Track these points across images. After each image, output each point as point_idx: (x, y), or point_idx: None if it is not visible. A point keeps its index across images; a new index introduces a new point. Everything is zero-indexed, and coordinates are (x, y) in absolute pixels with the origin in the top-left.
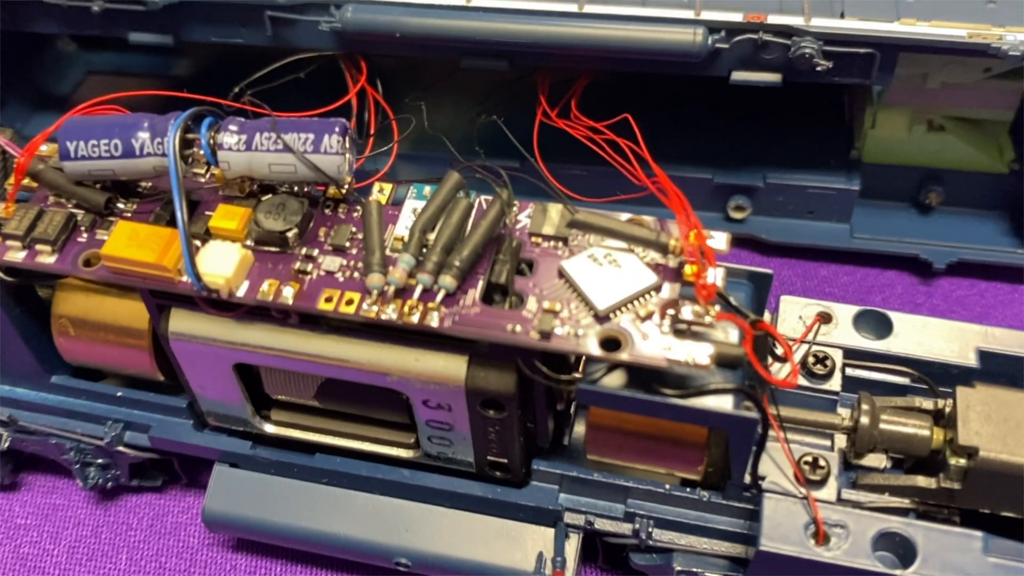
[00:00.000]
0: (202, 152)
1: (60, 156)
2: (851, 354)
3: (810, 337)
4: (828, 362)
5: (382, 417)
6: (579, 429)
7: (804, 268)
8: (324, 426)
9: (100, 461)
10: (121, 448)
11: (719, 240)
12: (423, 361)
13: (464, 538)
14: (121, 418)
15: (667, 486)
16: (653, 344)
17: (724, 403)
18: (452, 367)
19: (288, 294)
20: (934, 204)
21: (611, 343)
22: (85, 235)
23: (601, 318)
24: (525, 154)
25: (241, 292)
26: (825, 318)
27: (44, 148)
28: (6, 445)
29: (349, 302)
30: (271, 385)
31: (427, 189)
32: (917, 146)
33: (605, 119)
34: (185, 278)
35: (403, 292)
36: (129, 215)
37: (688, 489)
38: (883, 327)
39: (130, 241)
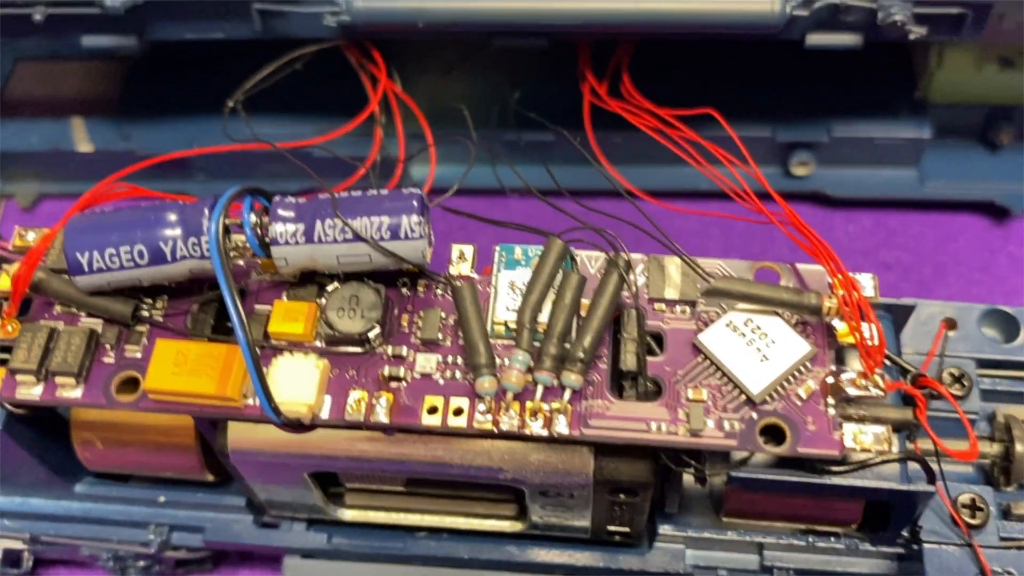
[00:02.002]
0: (246, 243)
1: (70, 271)
2: (982, 363)
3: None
4: (965, 380)
5: (481, 495)
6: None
7: (872, 220)
8: (410, 505)
9: (142, 564)
10: (169, 553)
11: (865, 285)
12: (542, 455)
13: None
14: (166, 521)
15: (810, 538)
16: (822, 431)
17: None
18: (578, 460)
19: (382, 409)
20: (1006, 143)
21: (773, 434)
22: (112, 353)
23: (756, 403)
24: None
25: (324, 412)
26: (949, 323)
27: (31, 237)
28: (29, 564)
29: (458, 412)
30: (350, 478)
31: (517, 251)
32: (987, 83)
33: (655, 89)
34: (251, 401)
35: (520, 393)
36: (160, 318)
37: (832, 539)
38: (1011, 327)
39: (177, 368)
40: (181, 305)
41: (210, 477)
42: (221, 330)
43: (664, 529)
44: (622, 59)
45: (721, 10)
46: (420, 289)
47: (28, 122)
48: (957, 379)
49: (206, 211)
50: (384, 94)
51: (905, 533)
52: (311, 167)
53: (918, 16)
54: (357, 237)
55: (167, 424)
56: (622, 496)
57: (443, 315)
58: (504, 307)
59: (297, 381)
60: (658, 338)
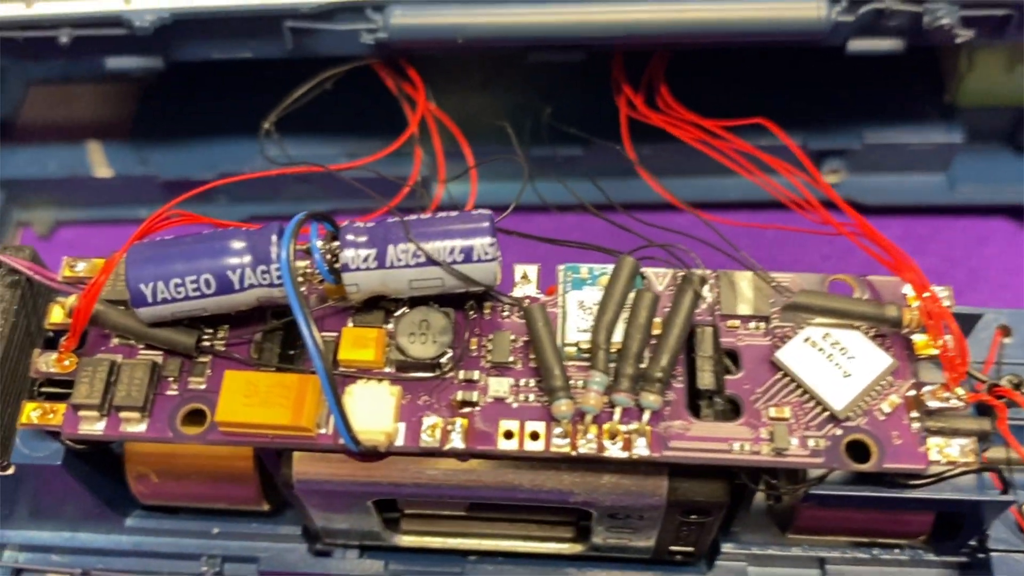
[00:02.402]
0: (315, 270)
1: (132, 302)
2: None
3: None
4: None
5: (540, 517)
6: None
7: (902, 227)
8: (468, 529)
9: None
10: None
11: (941, 295)
12: (614, 477)
13: None
14: (218, 552)
15: (874, 551)
16: (908, 445)
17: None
18: (651, 482)
19: (457, 435)
20: None
21: (858, 450)
22: (175, 386)
23: (840, 420)
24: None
25: (399, 440)
26: (1004, 330)
27: (81, 268)
28: None
29: (534, 436)
30: (410, 504)
31: (583, 270)
32: (1017, 85)
33: (685, 98)
34: (324, 430)
35: (596, 415)
36: (222, 348)
37: (896, 551)
38: None
39: (249, 399)
40: (243, 334)
41: (266, 506)
42: (285, 359)
43: (726, 547)
44: (657, 70)
45: (767, 18)
46: (487, 311)
47: (44, 148)
48: (1016, 386)
49: (273, 238)
50: (414, 109)
51: (972, 542)
52: (336, 188)
53: (965, 19)
54: (431, 261)
55: (226, 454)
56: (694, 516)
57: (512, 338)
58: (575, 328)
59: (373, 409)
60: (732, 355)
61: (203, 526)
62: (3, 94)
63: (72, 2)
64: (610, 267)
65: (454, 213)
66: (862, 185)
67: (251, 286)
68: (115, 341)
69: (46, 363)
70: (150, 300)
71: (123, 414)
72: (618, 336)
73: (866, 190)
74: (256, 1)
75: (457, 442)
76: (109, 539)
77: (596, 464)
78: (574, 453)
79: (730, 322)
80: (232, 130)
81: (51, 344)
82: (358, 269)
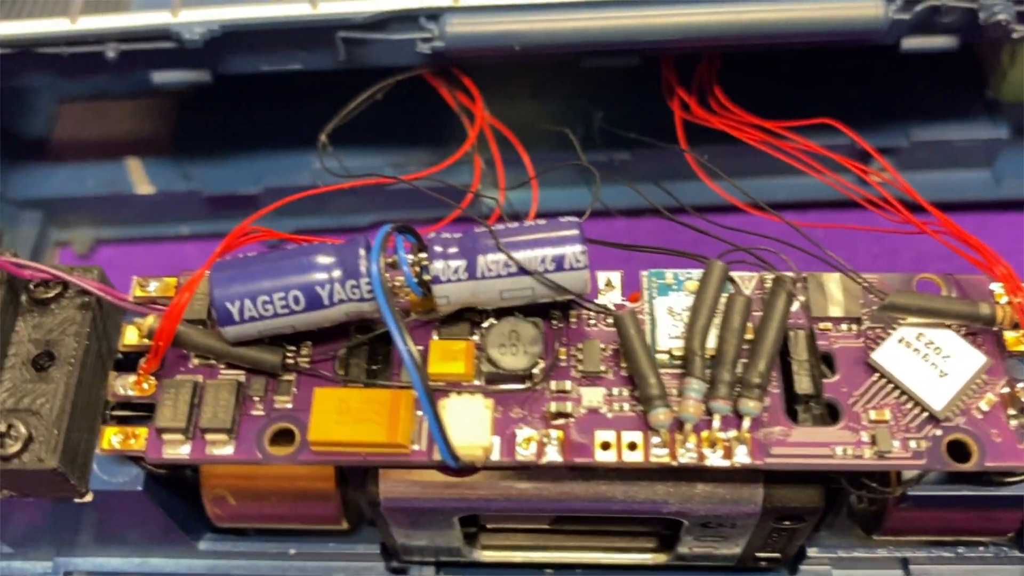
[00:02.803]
0: (403, 283)
1: (219, 321)
2: None
3: None
4: None
5: (623, 528)
6: None
7: None
8: (548, 543)
9: None
10: None
11: None
12: (708, 486)
13: None
14: (295, 573)
15: (959, 549)
16: (1008, 443)
17: None
18: (746, 489)
19: (553, 448)
20: None
21: (958, 450)
22: (260, 406)
23: (939, 420)
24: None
25: (495, 454)
26: None
27: (153, 287)
28: None
29: (632, 446)
30: (494, 518)
31: (668, 275)
32: None
33: (733, 97)
34: (417, 446)
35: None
36: (307, 365)
37: (981, 548)
38: None
39: (341, 416)
40: (326, 351)
41: (346, 525)
42: (369, 374)
43: (812, 551)
44: (709, 72)
45: (825, 17)
46: (572, 320)
47: (81, 166)
48: None
49: (362, 252)
50: (469, 119)
51: None
52: (383, 200)
53: (1021, 14)
54: (523, 271)
55: (307, 473)
56: (787, 523)
57: (602, 347)
58: (666, 335)
59: (469, 423)
60: (826, 358)
61: (278, 547)
62: (35, 113)
63: (119, 16)
64: (694, 272)
65: (542, 221)
66: (907, 182)
67: (340, 301)
68: (195, 361)
69: (123, 386)
70: (237, 319)
71: (209, 436)
72: (711, 342)
73: (912, 187)
74: (308, 12)
75: (553, 455)
76: (181, 563)
77: (689, 473)
78: (675, 463)
79: (822, 324)
80: (274, 142)
81: (122, 366)
82: (448, 281)
